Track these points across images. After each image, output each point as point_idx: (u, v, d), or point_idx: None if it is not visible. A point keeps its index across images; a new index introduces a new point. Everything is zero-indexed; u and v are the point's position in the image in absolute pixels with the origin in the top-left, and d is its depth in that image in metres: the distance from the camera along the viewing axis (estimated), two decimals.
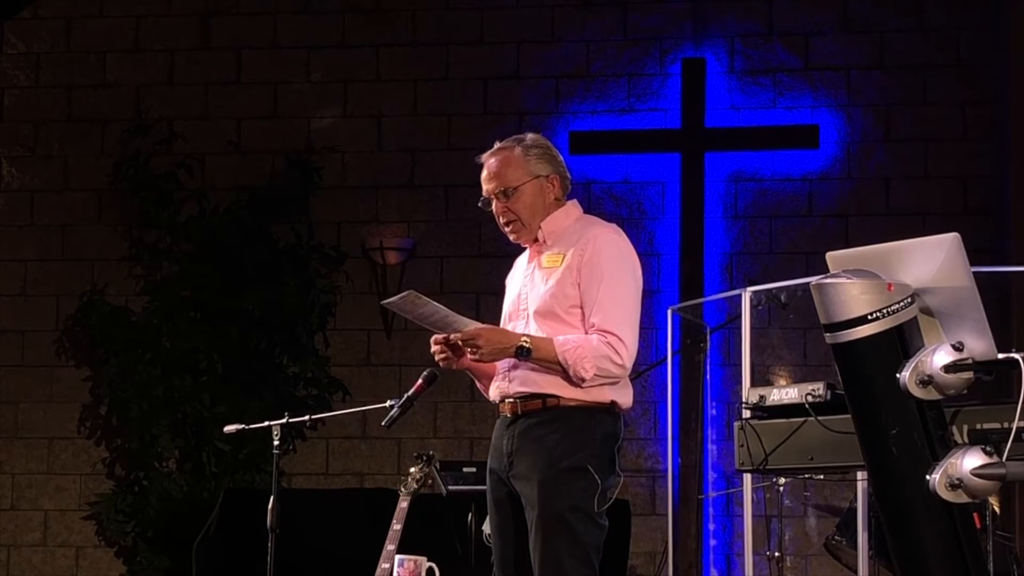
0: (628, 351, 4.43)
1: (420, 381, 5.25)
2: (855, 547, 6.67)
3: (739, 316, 7.25)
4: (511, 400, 4.52)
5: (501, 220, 4.64)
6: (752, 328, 7.14)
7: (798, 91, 9.49)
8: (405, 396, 5.33)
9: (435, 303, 4.47)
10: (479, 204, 4.70)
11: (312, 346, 9.34)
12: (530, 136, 4.69)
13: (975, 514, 3.34)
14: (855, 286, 3.22)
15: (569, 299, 4.48)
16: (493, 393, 4.62)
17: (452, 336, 4.49)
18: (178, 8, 9.98)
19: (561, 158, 4.70)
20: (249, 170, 9.65)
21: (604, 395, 4.47)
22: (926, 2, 9.45)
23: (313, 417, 6.63)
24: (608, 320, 4.42)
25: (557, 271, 4.51)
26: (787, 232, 9.40)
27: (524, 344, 4.40)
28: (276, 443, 6.06)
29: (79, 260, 9.76)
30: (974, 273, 3.26)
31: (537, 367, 4.45)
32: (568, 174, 4.70)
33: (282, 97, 9.86)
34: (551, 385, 4.45)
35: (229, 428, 6.31)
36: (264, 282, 9.15)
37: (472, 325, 4.48)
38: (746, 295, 7.09)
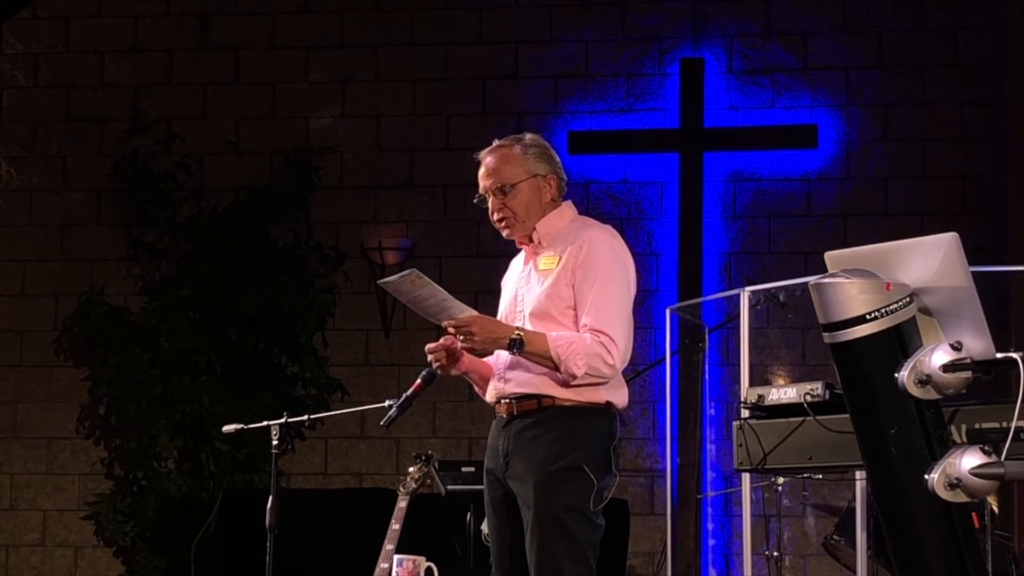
0: (620, 352, 4.43)
1: (419, 381, 5.24)
2: (854, 547, 6.67)
3: (738, 316, 7.25)
4: (507, 401, 4.53)
5: (495, 216, 4.64)
6: (751, 328, 7.14)
7: (797, 91, 9.49)
8: (404, 396, 5.32)
9: (436, 285, 4.42)
10: (475, 200, 4.70)
11: (311, 346, 9.34)
12: (529, 136, 4.70)
13: (974, 513, 3.33)
14: (853, 286, 3.22)
15: (564, 300, 4.48)
16: (489, 394, 4.63)
17: (445, 322, 4.48)
18: (176, 8, 9.98)
19: (559, 159, 4.71)
20: (248, 170, 9.65)
21: (599, 395, 4.47)
22: (925, 2, 9.45)
23: (312, 417, 6.62)
24: (601, 320, 4.42)
25: (553, 273, 4.52)
26: (786, 232, 9.40)
27: (517, 336, 4.40)
28: (275, 443, 6.05)
29: (78, 260, 9.75)
30: (973, 273, 3.26)
31: (532, 367, 4.45)
32: (565, 175, 4.70)
33: (280, 97, 9.86)
34: (546, 386, 4.45)
35: (228, 428, 6.30)
36: (263, 282, 9.15)
37: (468, 312, 4.47)
38: (744, 295, 7.09)
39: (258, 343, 9.18)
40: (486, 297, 9.02)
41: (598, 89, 9.63)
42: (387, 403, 5.44)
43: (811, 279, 3.30)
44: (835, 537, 7.13)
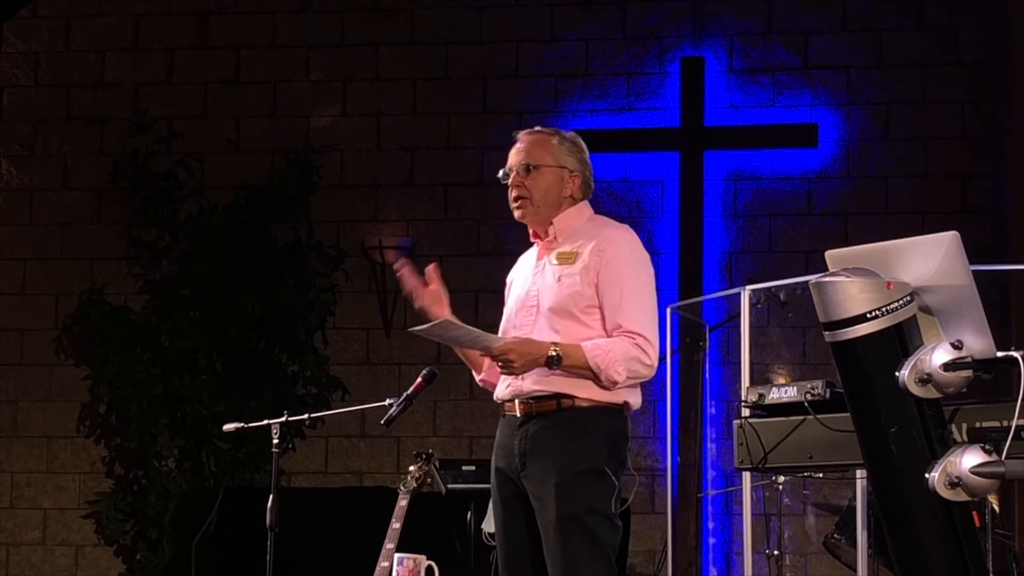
0: (655, 351, 4.45)
1: (419, 379, 5.26)
2: (854, 545, 6.67)
3: (738, 314, 7.27)
4: (524, 400, 4.49)
5: (513, 194, 4.61)
6: (751, 326, 7.15)
7: (797, 90, 9.49)
8: (404, 395, 5.33)
9: (468, 327, 4.41)
10: (498, 175, 4.67)
11: (311, 345, 9.33)
12: (570, 132, 4.72)
13: (974, 512, 3.34)
14: (854, 284, 3.22)
15: (586, 299, 4.46)
16: (504, 391, 4.56)
17: (483, 353, 4.50)
18: (177, 7, 9.98)
19: (591, 165, 4.71)
20: (248, 169, 9.65)
21: (618, 396, 4.47)
22: (926, 1, 9.45)
23: (312, 416, 6.61)
24: (634, 321, 4.42)
25: (571, 269, 4.50)
26: (786, 231, 9.40)
27: (555, 353, 4.37)
28: (275, 442, 6.04)
29: (78, 259, 9.75)
30: (973, 271, 3.26)
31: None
32: (592, 181, 4.70)
33: (281, 96, 9.86)
34: (566, 385, 4.43)
35: (228, 427, 6.29)
36: (263, 281, 9.14)
37: (501, 341, 4.44)
38: (745, 293, 7.10)
39: (259, 342, 9.18)
40: (486, 296, 9.07)
41: (599, 88, 9.63)
42: (388, 402, 5.45)
43: (812, 278, 3.30)
44: (836, 536, 7.14)
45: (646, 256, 4.61)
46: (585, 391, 4.42)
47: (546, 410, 4.45)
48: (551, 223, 4.60)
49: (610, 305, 4.45)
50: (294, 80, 9.87)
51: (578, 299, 4.46)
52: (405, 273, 4.65)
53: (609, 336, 4.44)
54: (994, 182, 9.23)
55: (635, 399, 4.54)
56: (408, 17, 9.83)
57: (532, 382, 4.46)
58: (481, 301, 9.09)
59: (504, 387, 4.56)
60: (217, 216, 9.37)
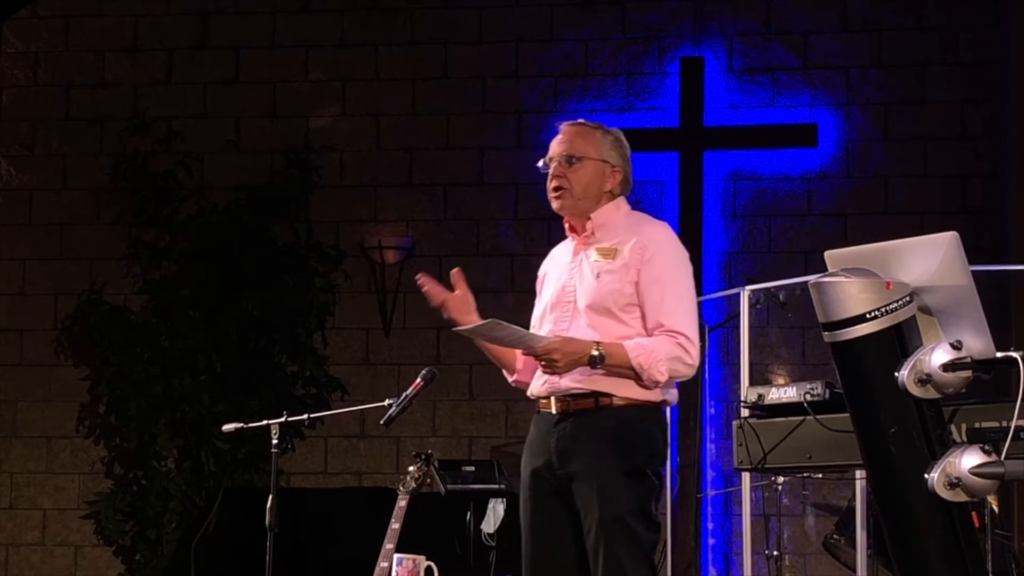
0: (696, 350, 4.39)
1: (419, 380, 5.25)
2: (854, 546, 6.67)
3: (738, 315, 7.27)
4: (561, 398, 4.43)
5: (552, 184, 4.56)
6: (751, 327, 7.15)
7: (797, 90, 9.49)
8: (404, 395, 5.33)
9: (512, 326, 4.36)
10: (538, 164, 4.63)
11: (311, 345, 9.33)
12: (615, 129, 4.72)
13: (974, 513, 3.33)
14: (853, 285, 3.22)
15: (625, 297, 4.41)
16: (540, 388, 4.50)
17: (526, 352, 4.46)
18: (176, 7, 9.98)
19: (632, 163, 4.69)
20: (248, 169, 9.65)
21: (657, 394, 4.41)
22: (925, 1, 9.45)
23: (312, 416, 6.62)
24: (676, 320, 4.38)
25: (610, 266, 4.45)
26: (786, 231, 9.40)
27: (597, 353, 4.32)
28: (275, 442, 6.04)
29: (78, 259, 9.75)
30: (973, 272, 3.26)
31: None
32: (631, 178, 4.69)
33: (281, 96, 9.86)
34: (605, 383, 4.37)
35: (228, 427, 6.28)
36: (263, 281, 9.14)
37: (545, 340, 4.38)
38: (744, 294, 7.11)
39: (258, 342, 9.18)
40: (486, 296, 9.00)
41: (598, 88, 9.63)
42: (387, 402, 5.45)
43: (811, 278, 3.30)
44: (835, 536, 7.14)
45: (686, 254, 4.57)
46: (624, 390, 4.36)
47: (584, 408, 4.39)
48: (589, 217, 4.55)
49: (651, 303, 4.40)
50: (294, 80, 9.87)
51: (617, 297, 4.41)
52: (431, 288, 4.57)
53: (649, 335, 4.39)
54: (994, 182, 9.23)
55: (672, 396, 4.48)
56: (408, 17, 9.83)
57: (570, 379, 4.39)
58: (480, 301, 9.03)
59: (540, 384, 4.49)
60: (217, 216, 9.37)
